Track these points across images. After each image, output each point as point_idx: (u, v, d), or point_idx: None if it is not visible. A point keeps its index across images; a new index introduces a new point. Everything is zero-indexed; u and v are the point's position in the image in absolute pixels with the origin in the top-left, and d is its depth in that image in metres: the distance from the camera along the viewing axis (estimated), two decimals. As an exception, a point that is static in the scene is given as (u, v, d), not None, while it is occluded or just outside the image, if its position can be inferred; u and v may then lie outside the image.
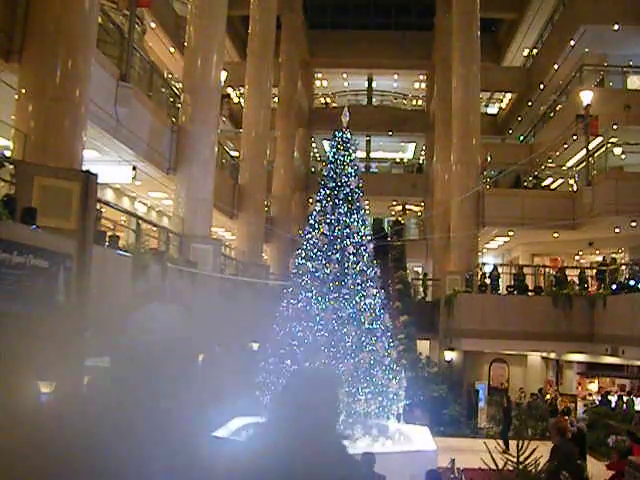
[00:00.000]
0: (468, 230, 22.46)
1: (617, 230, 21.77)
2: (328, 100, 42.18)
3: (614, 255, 25.67)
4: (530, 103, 33.05)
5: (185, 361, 1.83)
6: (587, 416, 18.80)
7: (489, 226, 23.15)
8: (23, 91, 9.60)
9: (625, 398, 20.75)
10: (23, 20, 9.62)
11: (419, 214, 39.50)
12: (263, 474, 1.87)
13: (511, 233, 24.81)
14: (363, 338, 10.41)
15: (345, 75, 41.73)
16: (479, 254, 24.97)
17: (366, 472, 7.20)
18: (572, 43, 25.51)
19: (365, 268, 10.86)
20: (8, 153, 9.35)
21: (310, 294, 10.56)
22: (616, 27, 23.53)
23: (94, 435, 1.62)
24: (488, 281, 20.64)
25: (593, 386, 22.90)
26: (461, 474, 12.52)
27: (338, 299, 10.50)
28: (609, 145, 22.69)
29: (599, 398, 21.22)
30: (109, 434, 1.62)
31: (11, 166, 8.57)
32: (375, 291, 10.88)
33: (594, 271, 21.71)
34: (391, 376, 10.56)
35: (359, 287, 10.68)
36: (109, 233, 11.31)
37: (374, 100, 42.29)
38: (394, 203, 38.56)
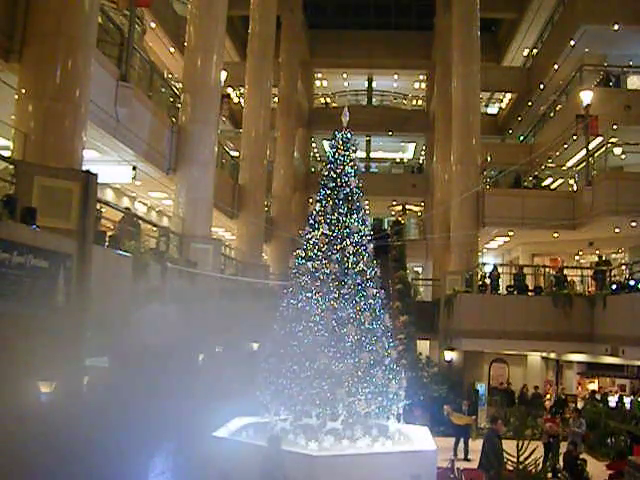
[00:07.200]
0: (468, 230, 22.45)
1: (617, 230, 21.76)
2: (328, 100, 42.17)
3: (613, 255, 25.68)
4: (530, 103, 33.03)
5: (185, 361, 1.84)
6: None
7: (489, 226, 23.14)
8: (23, 91, 9.60)
9: (628, 398, 20.74)
10: (23, 20, 9.63)
11: (419, 214, 39.49)
12: None
13: (511, 233, 24.81)
14: (363, 338, 10.39)
15: (345, 75, 41.73)
16: (479, 254, 24.94)
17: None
18: (572, 43, 25.50)
19: (365, 268, 10.84)
20: (8, 153, 9.35)
21: (310, 294, 10.54)
22: (616, 27, 23.53)
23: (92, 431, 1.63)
24: (488, 281, 20.60)
25: (593, 386, 22.90)
26: (461, 474, 12.53)
27: (338, 299, 10.48)
28: (609, 145, 22.66)
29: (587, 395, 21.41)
30: (107, 431, 1.63)
31: (11, 166, 8.57)
32: (375, 291, 10.86)
33: (593, 271, 21.70)
34: (391, 376, 10.55)
35: (359, 287, 10.65)
36: (109, 233, 11.30)
37: (374, 100, 42.29)
38: (394, 203, 38.54)
